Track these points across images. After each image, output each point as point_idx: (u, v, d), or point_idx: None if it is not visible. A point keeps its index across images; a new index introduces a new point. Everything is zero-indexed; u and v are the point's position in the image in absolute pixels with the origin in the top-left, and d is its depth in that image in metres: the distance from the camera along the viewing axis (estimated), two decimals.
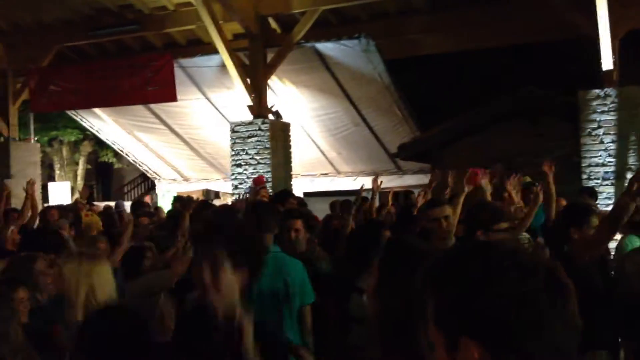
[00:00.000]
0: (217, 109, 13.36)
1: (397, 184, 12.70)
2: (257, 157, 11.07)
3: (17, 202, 12.29)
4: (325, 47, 11.08)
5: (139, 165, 16.98)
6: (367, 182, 14.50)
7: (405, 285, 1.25)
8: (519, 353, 0.96)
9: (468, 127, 10.85)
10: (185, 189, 16.49)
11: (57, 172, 21.23)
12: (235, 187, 11.30)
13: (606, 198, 8.63)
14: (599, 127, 8.93)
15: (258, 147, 11.06)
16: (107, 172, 25.52)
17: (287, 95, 12.41)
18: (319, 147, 14.07)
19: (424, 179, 13.62)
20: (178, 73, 11.84)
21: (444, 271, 1.05)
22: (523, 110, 10.39)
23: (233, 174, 11.36)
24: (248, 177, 11.08)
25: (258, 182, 4.20)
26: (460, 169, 4.67)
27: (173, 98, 11.79)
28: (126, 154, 16.65)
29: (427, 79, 13.67)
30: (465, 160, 10.56)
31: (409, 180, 13.92)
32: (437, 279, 1.05)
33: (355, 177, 14.98)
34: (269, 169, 10.92)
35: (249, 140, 11.10)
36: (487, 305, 0.96)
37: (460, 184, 4.45)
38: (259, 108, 11.02)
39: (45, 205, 12.03)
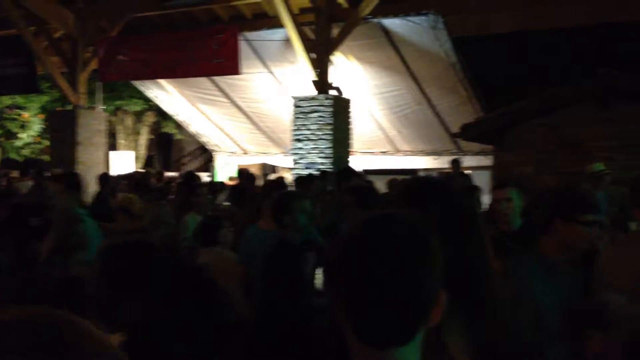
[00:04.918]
0: (279, 83, 13.39)
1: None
2: (319, 133, 11.02)
3: (83, 168, 12.72)
4: (392, 23, 10.92)
5: (200, 137, 17.24)
6: (425, 162, 14.58)
7: None
8: None
9: (536, 110, 10.50)
10: (243, 162, 16.69)
11: (122, 141, 21.79)
12: (295, 162, 11.32)
13: None
14: None
15: (320, 122, 11.00)
16: (167, 143, 26.07)
17: (349, 71, 12.32)
18: (379, 125, 13.96)
19: (485, 160, 13.39)
20: (243, 46, 11.87)
21: None
22: (595, 94, 9.97)
23: (293, 149, 11.38)
24: (308, 152, 11.09)
25: None
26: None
27: (237, 71, 11.84)
28: (187, 126, 16.92)
29: (497, 58, 13.26)
30: (530, 143, 10.32)
31: (469, 161, 13.72)
32: None
33: (414, 156, 14.86)
34: (330, 145, 10.88)
35: (311, 115, 11.06)
36: None
37: None
38: (323, 84, 10.98)
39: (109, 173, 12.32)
